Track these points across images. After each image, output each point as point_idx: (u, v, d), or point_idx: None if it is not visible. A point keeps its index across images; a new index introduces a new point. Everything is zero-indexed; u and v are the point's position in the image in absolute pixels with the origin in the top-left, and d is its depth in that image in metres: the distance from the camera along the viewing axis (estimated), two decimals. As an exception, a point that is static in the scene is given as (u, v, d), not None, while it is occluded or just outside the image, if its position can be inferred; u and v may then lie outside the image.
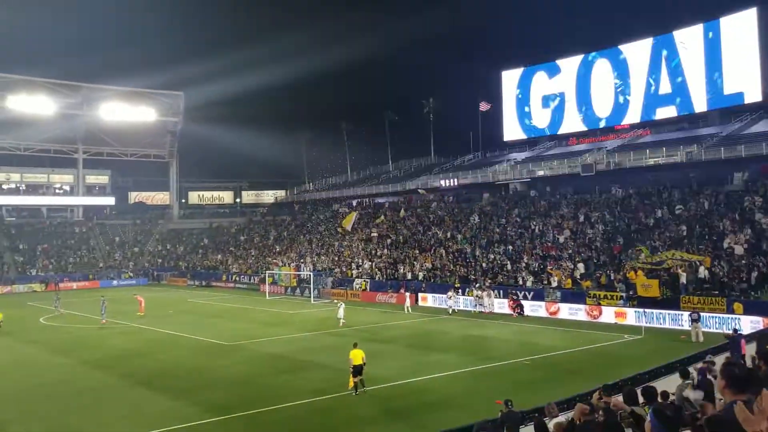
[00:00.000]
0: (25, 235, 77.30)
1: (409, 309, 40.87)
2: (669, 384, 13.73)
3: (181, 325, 36.91)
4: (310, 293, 50.86)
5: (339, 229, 65.64)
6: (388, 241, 57.94)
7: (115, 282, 71.11)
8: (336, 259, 59.20)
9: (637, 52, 55.60)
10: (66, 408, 19.35)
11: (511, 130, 66.00)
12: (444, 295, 41.67)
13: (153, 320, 39.03)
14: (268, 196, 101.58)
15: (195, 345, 30.52)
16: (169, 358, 27.26)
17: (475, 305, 40.32)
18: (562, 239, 45.03)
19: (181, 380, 22.91)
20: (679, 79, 52.69)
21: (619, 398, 9.16)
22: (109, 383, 22.69)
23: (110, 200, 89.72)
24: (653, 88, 54.52)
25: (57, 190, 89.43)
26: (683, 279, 33.88)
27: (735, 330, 23.85)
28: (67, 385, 22.57)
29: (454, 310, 39.89)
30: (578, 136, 60.61)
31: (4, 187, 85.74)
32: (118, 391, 21.55)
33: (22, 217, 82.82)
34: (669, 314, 32.21)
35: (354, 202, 73.77)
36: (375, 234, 60.64)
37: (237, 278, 65.27)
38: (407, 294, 42.76)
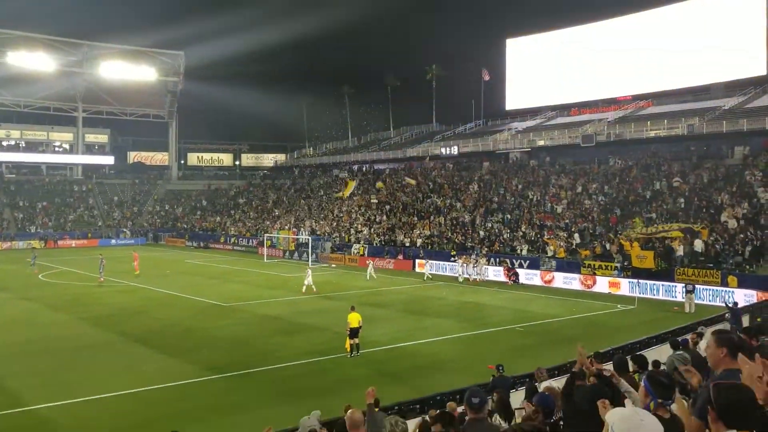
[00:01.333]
0: (24, 192, 77.33)
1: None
2: (660, 354, 13.94)
3: (179, 285, 37.19)
4: (308, 257, 51.12)
5: (338, 195, 65.64)
6: (387, 207, 58.02)
7: (113, 241, 71.39)
8: (335, 224, 59.36)
9: (635, 24, 54.92)
10: (63, 364, 19.61)
11: (513, 99, 65.58)
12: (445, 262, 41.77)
13: (151, 280, 39.32)
14: (268, 160, 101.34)
15: (192, 305, 30.80)
16: (167, 317, 27.54)
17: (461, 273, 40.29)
18: (559, 209, 45.13)
19: (178, 339, 23.20)
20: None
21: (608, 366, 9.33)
22: (106, 340, 22.97)
23: (109, 159, 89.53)
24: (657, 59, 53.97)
25: (56, 148, 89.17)
26: (679, 251, 34.06)
27: (735, 303, 24.10)
28: (64, 341, 22.84)
29: (466, 278, 39.65)
30: (580, 106, 60.25)
31: (4, 144, 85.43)
32: (115, 348, 21.84)
33: (22, 174, 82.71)
34: (663, 285, 32.50)
35: (354, 168, 73.64)
36: (374, 200, 60.70)
37: (235, 241, 65.50)
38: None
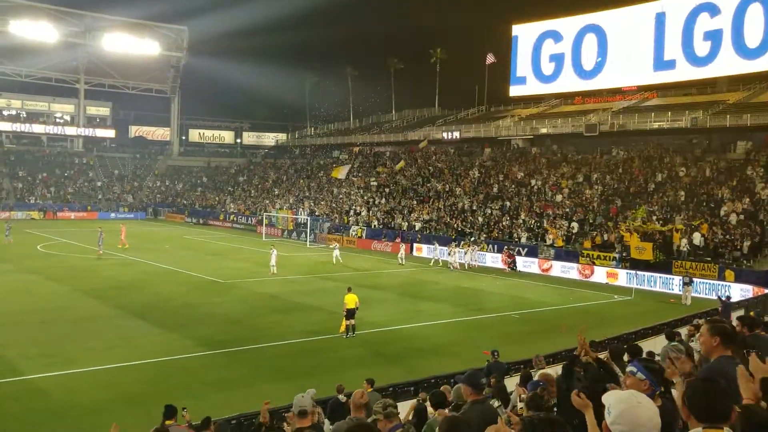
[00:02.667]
0: (24, 163, 77.13)
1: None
2: (655, 345, 14.00)
3: (177, 260, 37.22)
4: (306, 237, 51.14)
5: (331, 176, 65.47)
6: (387, 190, 57.97)
7: (113, 215, 71.34)
8: (333, 205, 59.34)
9: (639, 17, 54.33)
10: (61, 335, 19.68)
11: (517, 86, 65.21)
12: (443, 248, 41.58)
13: (149, 254, 39.35)
14: (269, 139, 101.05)
15: (190, 281, 30.85)
16: (164, 292, 27.59)
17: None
18: (559, 198, 45.10)
19: (175, 314, 23.26)
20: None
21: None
22: (104, 313, 23.04)
23: (110, 132, 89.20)
24: (662, 51, 53.54)
25: (57, 119, 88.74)
26: (679, 244, 34.08)
27: (728, 297, 24.23)
28: (62, 312, 22.91)
29: (459, 264, 39.01)
30: (584, 95, 59.94)
31: (5, 113, 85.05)
32: (112, 320, 21.90)
33: (23, 145, 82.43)
34: (660, 277, 32.56)
35: (355, 150, 73.46)
36: (374, 182, 60.63)
37: (234, 218, 65.48)
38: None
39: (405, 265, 39.07)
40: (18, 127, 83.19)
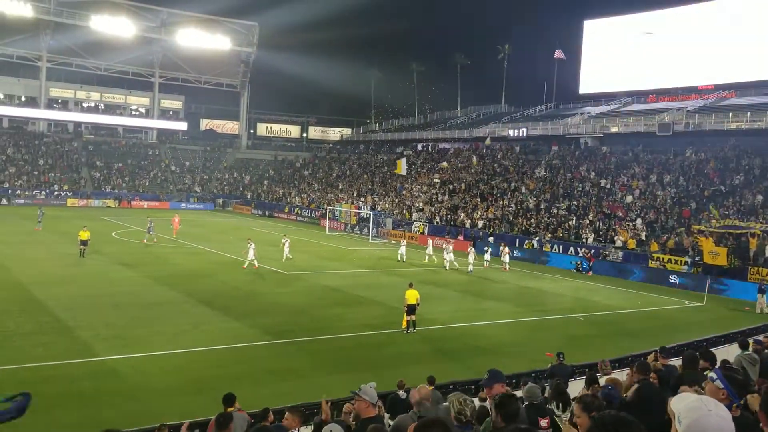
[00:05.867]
0: (102, 153, 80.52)
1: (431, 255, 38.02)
2: (728, 353, 13.39)
3: (243, 251, 37.96)
4: (368, 231, 51.43)
5: (395, 171, 65.57)
6: (450, 187, 57.64)
7: (183, 205, 73.71)
8: (396, 200, 59.44)
9: (720, 9, 52.03)
10: (132, 318, 20.43)
11: (587, 83, 63.67)
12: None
13: (217, 244, 40.38)
14: (334, 134, 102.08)
15: (255, 271, 31.47)
16: (231, 281, 28.29)
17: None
18: (630, 199, 43.79)
19: (240, 303, 23.81)
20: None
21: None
22: (173, 299, 23.80)
23: (183, 125, 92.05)
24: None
25: (133, 112, 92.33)
26: (755, 250, 32.58)
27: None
28: (134, 296, 23.79)
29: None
30: (658, 93, 57.96)
31: (84, 105, 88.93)
32: (181, 306, 22.60)
33: (100, 136, 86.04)
34: (734, 283, 31.22)
35: (419, 146, 73.31)
36: (437, 179, 60.39)
37: (299, 211, 66.51)
38: (451, 242, 42.13)
39: (435, 262, 37.10)
40: (96, 118, 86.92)
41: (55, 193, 69.12)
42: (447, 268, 35.55)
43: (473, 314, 24.17)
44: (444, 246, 38.70)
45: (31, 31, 76.05)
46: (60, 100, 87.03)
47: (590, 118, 59.65)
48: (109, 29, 76.14)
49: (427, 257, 37.56)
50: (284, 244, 34.72)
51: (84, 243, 32.01)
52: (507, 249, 38.56)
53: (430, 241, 40.40)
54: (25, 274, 26.78)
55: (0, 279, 25.46)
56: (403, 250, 38.48)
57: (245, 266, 31.62)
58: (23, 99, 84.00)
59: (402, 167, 62.35)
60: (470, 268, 35.35)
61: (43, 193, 68.13)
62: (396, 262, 37.32)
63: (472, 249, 37.12)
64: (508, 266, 37.09)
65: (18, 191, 67.21)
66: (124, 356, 16.48)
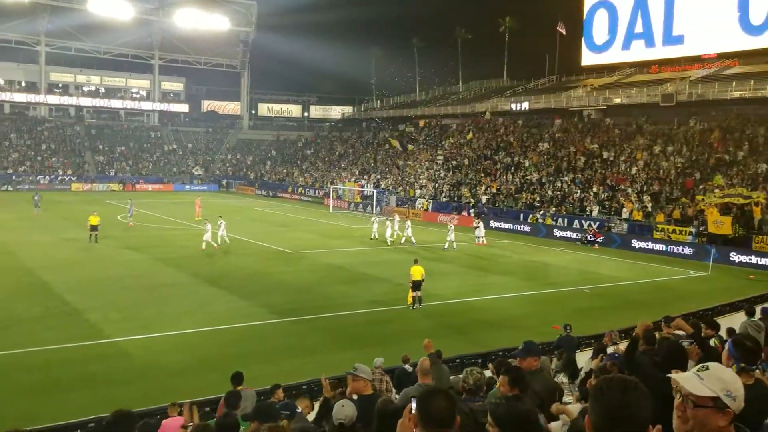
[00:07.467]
0: (104, 137, 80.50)
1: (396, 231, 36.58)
2: (733, 321, 13.47)
3: (248, 231, 38.14)
4: (372, 209, 51.47)
5: (391, 142, 66.03)
6: (453, 163, 57.53)
7: (187, 187, 73.82)
8: (399, 178, 59.38)
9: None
10: (141, 300, 20.59)
11: (590, 55, 63.04)
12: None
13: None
14: (336, 112, 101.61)
15: (261, 251, 31.64)
16: (237, 262, 28.44)
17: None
18: (634, 170, 43.66)
19: (247, 282, 23.94)
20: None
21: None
22: (180, 280, 23.96)
23: (184, 107, 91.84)
24: (747, 16, 50.50)
25: (134, 95, 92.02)
26: (760, 218, 32.53)
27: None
28: (141, 279, 23.94)
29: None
30: (660, 63, 57.40)
31: (85, 89, 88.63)
32: (188, 287, 22.76)
33: (102, 119, 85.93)
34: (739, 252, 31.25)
35: (421, 122, 73.03)
36: (440, 155, 60.26)
37: (302, 191, 66.57)
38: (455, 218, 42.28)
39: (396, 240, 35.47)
40: (97, 102, 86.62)
41: (59, 178, 69.25)
42: (446, 248, 33.39)
43: (479, 289, 24.29)
44: (449, 224, 38.12)
45: (29, 15, 75.55)
46: (60, 85, 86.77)
47: (593, 90, 59.27)
48: (106, 11, 75.54)
49: (447, 243, 33.77)
50: (220, 226, 32.24)
51: (94, 228, 32.04)
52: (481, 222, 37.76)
53: (451, 227, 36.10)
54: (32, 258, 26.95)
55: (7, 264, 25.63)
56: (409, 231, 35.73)
57: (214, 248, 30.62)
58: (23, 84, 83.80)
59: (397, 144, 62.98)
60: (483, 240, 35.69)
61: (47, 178, 68.27)
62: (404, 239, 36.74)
63: (482, 224, 37.20)
64: (484, 240, 36.26)
65: (22, 177, 67.34)
66: (134, 337, 16.64)
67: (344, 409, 5.13)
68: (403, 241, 35.35)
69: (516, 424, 2.94)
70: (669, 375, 2.66)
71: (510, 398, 3.21)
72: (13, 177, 66.83)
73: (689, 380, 2.49)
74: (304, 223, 45.62)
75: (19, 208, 46.80)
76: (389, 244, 34.82)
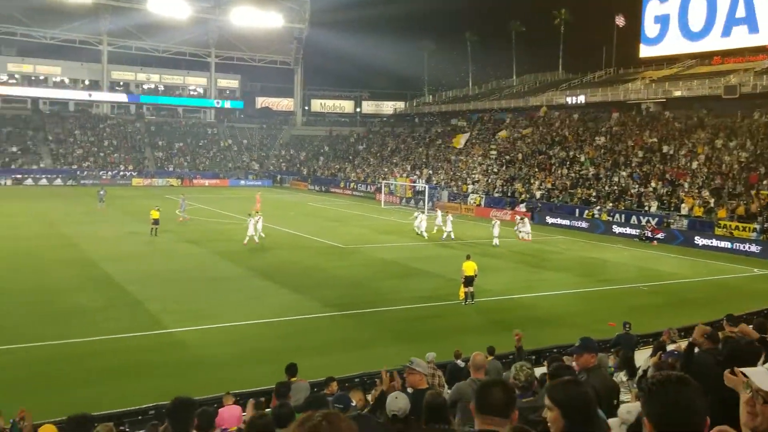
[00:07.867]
0: (163, 133, 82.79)
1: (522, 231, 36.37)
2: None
3: (302, 226, 38.63)
4: (424, 205, 51.36)
5: (452, 144, 65.26)
6: (507, 157, 56.85)
7: (242, 182, 75.26)
8: (452, 173, 59.06)
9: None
10: (198, 292, 21.12)
11: (649, 46, 61.23)
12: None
13: (276, 220, 40.96)
14: (388, 107, 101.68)
15: (314, 245, 31.98)
16: (291, 256, 28.81)
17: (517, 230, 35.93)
18: (695, 165, 42.27)
19: (300, 277, 24.23)
20: None
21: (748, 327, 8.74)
22: (235, 273, 24.44)
23: (239, 104, 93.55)
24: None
25: (192, 92, 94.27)
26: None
27: None
28: (199, 271, 24.56)
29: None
30: (723, 54, 55.28)
31: (145, 87, 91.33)
32: (244, 281, 23.22)
33: (161, 116, 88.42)
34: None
35: (474, 117, 72.40)
36: (493, 150, 59.65)
37: (354, 186, 66.97)
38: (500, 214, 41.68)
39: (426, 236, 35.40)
40: (158, 99, 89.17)
41: (121, 173, 71.59)
42: (497, 244, 32.84)
43: (531, 285, 23.96)
44: (493, 220, 36.16)
45: (91, 15, 78.32)
46: (121, 83, 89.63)
47: (651, 82, 57.59)
48: (165, 11, 77.66)
49: (495, 239, 33.22)
50: (257, 222, 31.24)
51: (156, 222, 33.05)
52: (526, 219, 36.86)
53: (496, 222, 34.88)
54: (96, 251, 27.92)
55: (72, 256, 26.63)
56: (449, 227, 34.71)
57: (254, 243, 30.56)
58: (87, 83, 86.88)
59: (461, 141, 62.15)
60: (528, 235, 35.05)
61: (109, 173, 70.67)
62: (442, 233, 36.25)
63: (527, 220, 36.65)
64: (529, 236, 35.30)
65: (86, 172, 69.90)
66: (191, 328, 17.08)
67: (398, 401, 5.15)
68: (444, 237, 34.94)
69: (576, 406, 2.94)
70: (738, 369, 2.60)
71: (568, 380, 3.18)
72: (78, 172, 69.43)
73: (760, 375, 2.44)
74: (356, 218, 45.88)
75: (84, 203, 48.56)
76: (425, 237, 34.97)
